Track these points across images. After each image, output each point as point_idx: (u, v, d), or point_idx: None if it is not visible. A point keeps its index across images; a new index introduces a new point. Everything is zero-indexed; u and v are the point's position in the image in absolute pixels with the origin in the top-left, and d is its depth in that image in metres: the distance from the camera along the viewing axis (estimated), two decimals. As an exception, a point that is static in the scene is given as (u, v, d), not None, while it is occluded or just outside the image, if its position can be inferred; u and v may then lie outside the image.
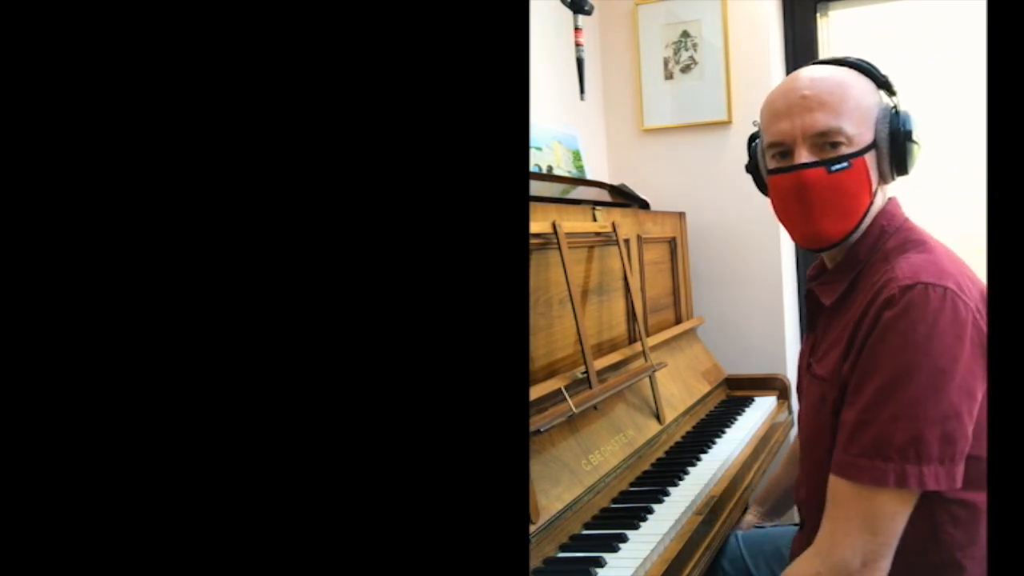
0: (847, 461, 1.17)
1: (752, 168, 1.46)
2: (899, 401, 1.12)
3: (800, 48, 2.91)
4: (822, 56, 2.88)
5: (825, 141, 1.26)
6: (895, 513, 1.15)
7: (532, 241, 1.75)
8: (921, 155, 1.33)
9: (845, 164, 1.25)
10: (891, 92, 1.33)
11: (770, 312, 2.87)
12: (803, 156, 1.27)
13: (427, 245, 0.79)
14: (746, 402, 2.49)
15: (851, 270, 1.31)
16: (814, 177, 1.26)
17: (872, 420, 1.14)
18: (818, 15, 2.90)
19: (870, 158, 1.28)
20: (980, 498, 1.20)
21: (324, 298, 0.77)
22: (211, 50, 0.75)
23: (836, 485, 1.19)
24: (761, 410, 2.39)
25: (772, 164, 1.34)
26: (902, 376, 1.12)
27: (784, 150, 1.30)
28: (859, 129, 1.26)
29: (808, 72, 1.32)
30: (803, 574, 1.20)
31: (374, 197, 0.78)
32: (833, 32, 2.90)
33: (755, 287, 2.88)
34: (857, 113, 1.27)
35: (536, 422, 1.54)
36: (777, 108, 1.31)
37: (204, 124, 0.75)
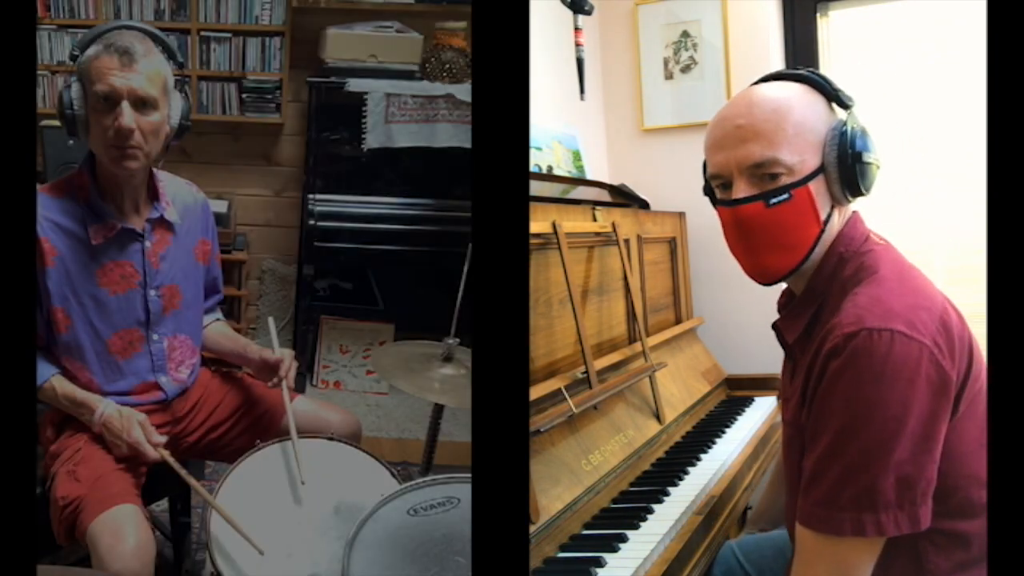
0: (806, 510, 1.15)
1: (708, 191, 1.38)
2: (849, 454, 1.09)
3: (800, 48, 2.91)
4: (821, 56, 2.89)
5: (763, 172, 1.19)
6: (859, 560, 1.12)
7: (532, 241, 1.75)
8: (879, 173, 1.23)
9: (785, 196, 1.18)
10: (844, 105, 1.24)
11: (770, 312, 2.84)
12: (740, 189, 1.20)
13: (426, 245, 0.79)
14: (746, 402, 2.48)
15: (812, 303, 1.26)
16: (752, 212, 1.20)
17: (825, 471, 1.12)
18: (818, 15, 2.90)
19: (816, 185, 1.20)
20: (962, 526, 1.17)
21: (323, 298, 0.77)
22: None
23: (800, 533, 1.17)
24: (761, 410, 2.39)
25: (717, 194, 1.28)
26: (850, 429, 1.09)
27: (724, 182, 1.25)
28: (801, 156, 1.19)
29: (747, 96, 1.24)
30: None
31: (374, 196, 0.78)
32: (833, 32, 2.90)
33: (755, 287, 2.84)
34: (798, 140, 1.19)
35: (536, 422, 1.54)
36: (715, 138, 1.25)
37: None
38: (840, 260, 1.23)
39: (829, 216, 1.23)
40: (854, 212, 1.29)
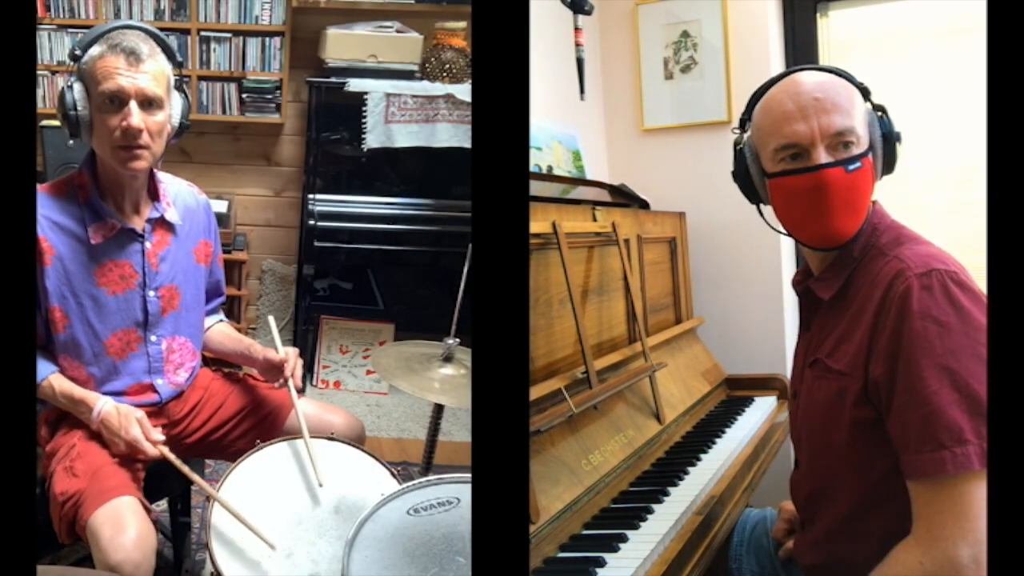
0: (927, 459, 1.13)
1: (742, 174, 1.41)
2: (956, 384, 1.12)
3: (800, 48, 2.91)
4: (821, 57, 2.89)
5: (840, 141, 1.28)
6: (982, 497, 1.10)
7: (532, 241, 1.75)
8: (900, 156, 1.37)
9: (859, 164, 1.29)
10: (866, 97, 1.35)
11: (770, 312, 2.86)
12: (821, 156, 1.28)
13: (426, 245, 0.79)
14: (746, 402, 2.48)
15: (846, 267, 1.33)
16: (835, 177, 1.28)
17: (935, 411, 1.13)
18: (818, 15, 2.90)
19: (871, 158, 1.31)
20: None
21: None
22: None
23: (918, 490, 1.15)
24: (761, 410, 2.39)
25: (781, 167, 1.32)
26: (950, 360, 1.13)
27: (798, 152, 1.30)
28: (864, 130, 1.30)
29: (807, 76, 1.33)
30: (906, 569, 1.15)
31: (374, 196, 0.78)
32: (833, 32, 2.90)
33: (755, 287, 2.88)
34: (861, 115, 1.30)
35: (536, 422, 1.54)
36: (788, 110, 1.30)
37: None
38: (874, 230, 1.33)
39: None
40: (875, 199, 1.37)
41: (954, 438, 1.11)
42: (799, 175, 1.30)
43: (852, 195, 1.29)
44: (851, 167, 1.28)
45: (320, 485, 1.59)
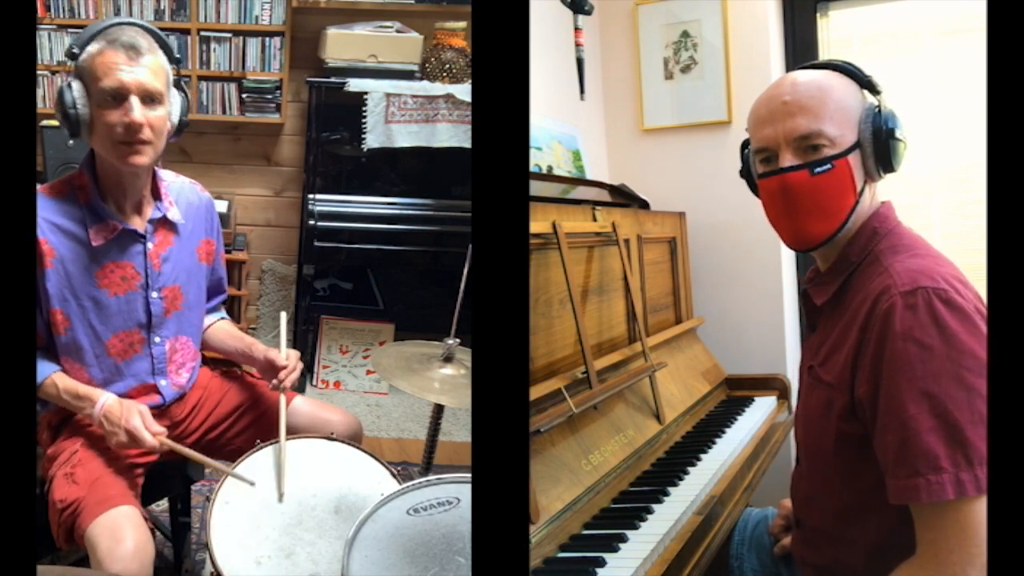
0: (902, 485, 1.12)
1: (746, 173, 1.47)
2: (935, 410, 1.10)
3: (800, 48, 2.91)
4: (821, 56, 2.89)
5: (807, 144, 1.28)
6: (978, 523, 1.08)
7: (532, 241, 1.75)
8: (907, 152, 1.34)
9: (828, 166, 1.27)
10: (875, 91, 1.34)
11: (770, 312, 2.86)
12: (787, 160, 1.29)
13: (426, 245, 0.79)
14: (746, 402, 2.48)
15: (843, 271, 1.32)
16: (797, 180, 1.28)
17: (912, 437, 1.11)
18: (818, 15, 2.90)
19: (854, 158, 1.29)
20: None
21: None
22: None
23: (921, 512, 1.14)
24: (761, 410, 2.39)
25: (759, 169, 1.36)
26: (930, 385, 1.10)
27: (769, 155, 1.33)
28: (841, 130, 1.28)
29: (791, 77, 1.34)
30: None
31: (374, 196, 0.78)
32: (833, 32, 2.90)
33: (755, 287, 2.88)
34: (839, 115, 1.29)
35: (536, 422, 1.54)
36: (760, 115, 1.34)
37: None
38: (874, 233, 1.31)
39: (862, 190, 1.31)
40: (886, 200, 1.37)
41: (930, 466, 1.09)
42: (768, 178, 1.33)
43: (820, 197, 1.28)
44: (817, 170, 1.27)
45: (280, 498, 1.57)
